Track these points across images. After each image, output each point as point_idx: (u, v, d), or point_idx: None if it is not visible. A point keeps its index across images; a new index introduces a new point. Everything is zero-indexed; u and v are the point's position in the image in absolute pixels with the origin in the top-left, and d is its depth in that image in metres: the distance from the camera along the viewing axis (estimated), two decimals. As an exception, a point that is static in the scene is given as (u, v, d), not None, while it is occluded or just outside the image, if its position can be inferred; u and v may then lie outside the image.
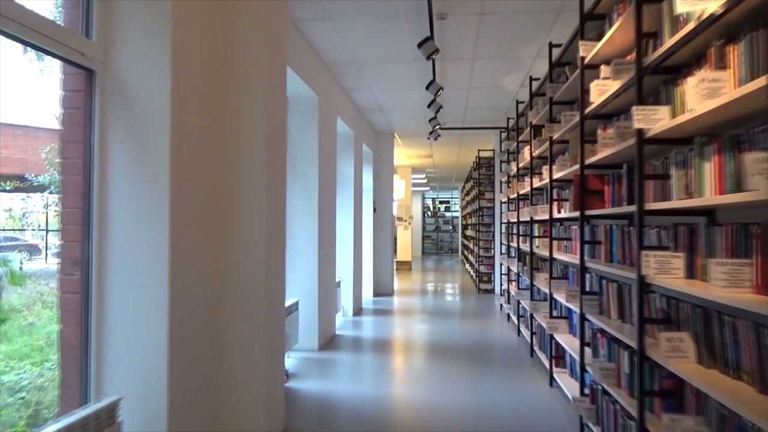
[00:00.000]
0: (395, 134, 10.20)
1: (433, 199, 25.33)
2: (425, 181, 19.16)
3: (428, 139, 9.93)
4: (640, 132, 2.39)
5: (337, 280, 7.18)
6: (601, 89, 3.03)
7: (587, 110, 3.30)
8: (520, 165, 6.05)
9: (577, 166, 3.42)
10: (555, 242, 4.51)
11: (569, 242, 4.24)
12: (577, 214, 3.50)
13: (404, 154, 12.84)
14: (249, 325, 3.08)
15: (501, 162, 8.22)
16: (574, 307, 3.59)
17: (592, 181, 3.33)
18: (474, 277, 11.89)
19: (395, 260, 15.48)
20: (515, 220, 6.59)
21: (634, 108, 2.33)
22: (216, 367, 3.04)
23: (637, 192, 2.43)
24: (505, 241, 7.76)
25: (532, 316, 5.32)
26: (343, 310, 7.50)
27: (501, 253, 8.08)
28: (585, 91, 3.37)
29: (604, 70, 3.18)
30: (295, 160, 5.45)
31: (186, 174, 2.69)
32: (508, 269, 7.19)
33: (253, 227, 3.09)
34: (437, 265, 17.78)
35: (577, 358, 3.58)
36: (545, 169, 4.64)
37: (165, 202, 2.50)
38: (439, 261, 19.99)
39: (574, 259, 3.73)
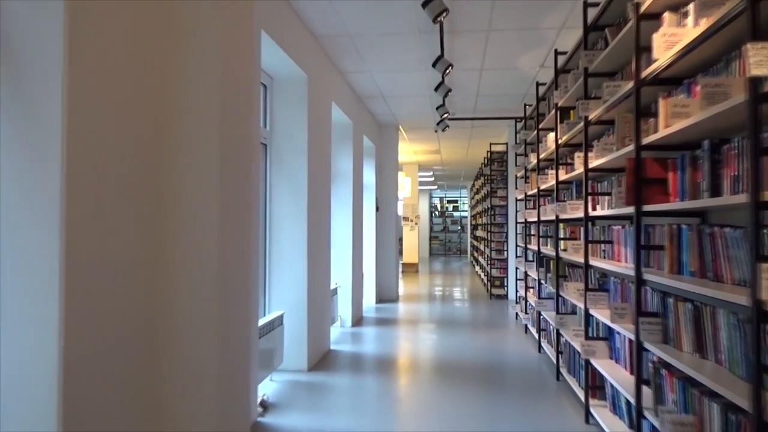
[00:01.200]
0: (400, 127, 9.43)
1: (441, 198, 24.52)
2: (432, 179, 18.37)
3: (435, 132, 9.15)
4: (754, 84, 1.60)
5: (333, 286, 6.41)
6: (670, 40, 2.23)
7: (646, 73, 2.51)
8: (542, 156, 5.25)
9: (630, 148, 2.64)
10: (589, 246, 3.72)
11: (609, 246, 3.45)
12: (628, 210, 2.71)
13: (410, 150, 12.06)
14: (194, 362, 2.31)
15: (516, 155, 7.43)
16: (623, 330, 2.79)
17: (652, 167, 2.54)
18: (485, 281, 11.09)
19: (401, 262, 14.70)
20: (534, 219, 5.79)
21: (747, 46, 1.54)
22: (151, 414, 2.27)
23: (748, 175, 1.65)
24: (521, 243, 6.96)
25: (557, 332, 4.53)
26: (341, 320, 6.73)
27: (516, 257, 7.29)
28: (643, 49, 2.58)
29: (669, 18, 2.39)
30: (280, 151, 4.69)
31: (91, 161, 1.92)
32: (525, 274, 6.40)
33: (199, 232, 2.32)
34: (445, 267, 16.98)
35: (621, 390, 2.79)
36: (577, 158, 3.84)
37: (56, 192, 1.74)
38: (447, 263, 19.19)
39: (619, 267, 2.93)
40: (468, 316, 7.71)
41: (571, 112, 4.32)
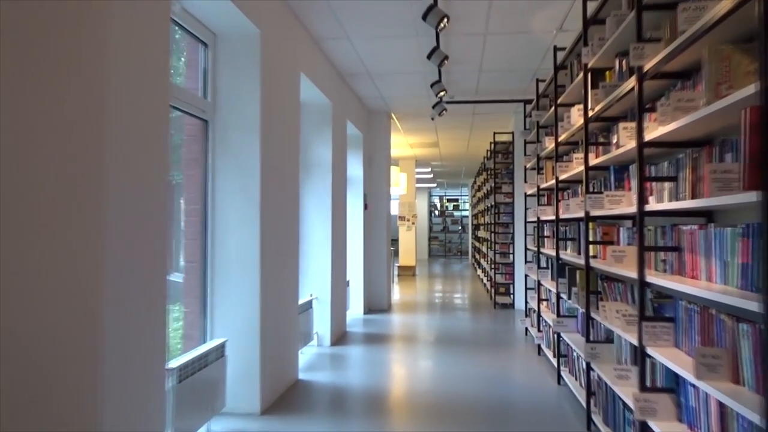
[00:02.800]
0: (392, 115, 8.35)
1: (441, 197, 23.43)
2: (431, 176, 17.28)
3: (432, 120, 8.08)
4: None
5: (307, 299, 5.34)
6: None
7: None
8: (562, 138, 4.17)
9: (748, 92, 1.55)
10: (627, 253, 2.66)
11: (672, 254, 2.38)
12: (718, 201, 1.63)
13: (405, 143, 10.98)
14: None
15: (525, 144, 6.35)
16: (715, 392, 1.72)
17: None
18: (488, 286, 10.00)
19: (396, 265, 13.64)
20: (550, 217, 4.71)
21: None
22: None
23: None
24: (532, 246, 5.88)
25: (588, 366, 3.44)
26: (318, 338, 5.65)
27: (526, 262, 6.22)
28: None
29: None
30: (225, 127, 3.61)
31: None
32: (538, 284, 5.32)
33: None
34: (445, 270, 15.89)
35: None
36: (623, 129, 2.75)
37: None
38: (447, 265, 18.09)
39: (698, 289, 1.86)
40: (470, 330, 6.62)
41: (608, 72, 3.24)
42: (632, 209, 2.67)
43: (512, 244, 8.25)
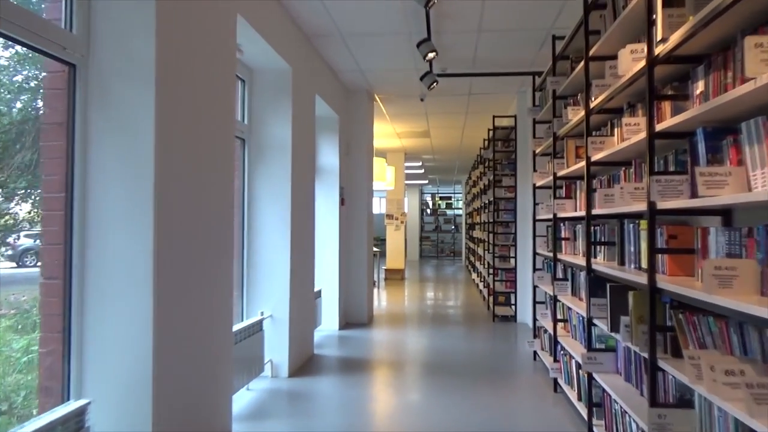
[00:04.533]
0: (376, 96, 7.14)
1: (433, 195, 22.25)
2: (422, 171, 16.08)
3: (422, 101, 6.88)
4: None
5: (255, 319, 4.12)
6: None
7: None
8: (599, 100, 2.97)
9: None
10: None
11: None
12: None
13: (392, 132, 9.77)
14: None
15: (535, 123, 5.16)
16: None
17: None
18: (484, 294, 8.81)
19: (384, 268, 12.47)
20: (575, 213, 3.54)
21: None
22: None
23: None
24: (544, 250, 4.69)
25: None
26: (273, 368, 4.44)
27: (535, 269, 5.03)
28: None
29: None
30: (100, 72, 2.39)
31: None
32: (554, 300, 4.13)
33: None
34: (437, 273, 14.70)
35: None
36: (720, 73, 1.55)
37: None
38: (440, 266, 16.90)
39: None
40: (466, 353, 5.42)
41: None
42: (753, 196, 1.49)
43: (514, 246, 7.07)
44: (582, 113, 3.30)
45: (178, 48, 2.59)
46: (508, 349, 5.53)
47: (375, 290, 10.35)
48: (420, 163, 14.20)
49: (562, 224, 4.17)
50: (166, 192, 2.47)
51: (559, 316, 4.13)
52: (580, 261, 3.40)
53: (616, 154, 2.82)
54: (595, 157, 3.04)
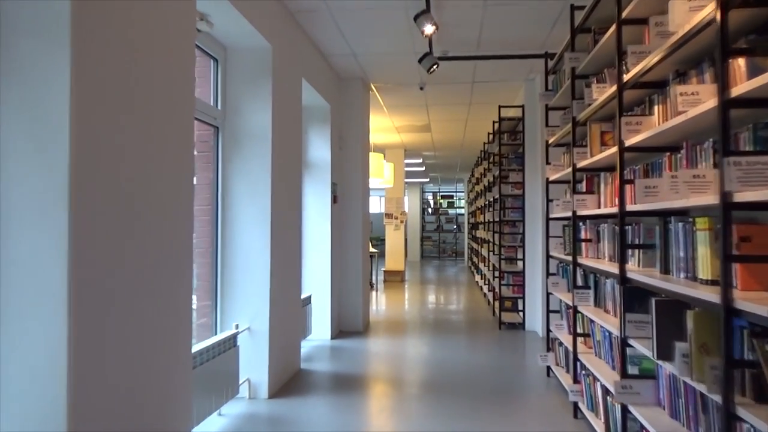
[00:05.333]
0: (371, 86, 6.60)
1: (434, 194, 21.69)
2: (423, 169, 15.52)
3: (421, 89, 6.34)
4: None
5: (227, 333, 3.57)
6: None
7: None
8: (636, 70, 2.41)
9: None
10: None
11: None
12: None
13: (390, 126, 9.22)
14: None
15: (548, 111, 4.60)
16: None
17: None
18: (489, 298, 8.24)
19: (382, 269, 11.94)
20: (600, 210, 2.99)
21: None
22: None
23: None
24: (560, 253, 4.13)
25: None
26: (250, 388, 3.88)
27: (548, 274, 4.48)
28: None
29: None
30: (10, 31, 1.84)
31: None
32: (573, 310, 3.57)
33: None
34: (439, 274, 14.14)
35: None
36: None
37: None
38: (441, 267, 16.34)
39: None
40: (470, 367, 4.86)
41: None
42: None
43: (522, 247, 6.51)
44: (612, 90, 2.74)
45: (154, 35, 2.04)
46: (518, 363, 4.98)
47: (373, 293, 9.81)
48: (420, 160, 13.65)
49: (582, 223, 3.62)
50: (89, 182, 1.92)
51: (578, 329, 3.58)
52: (607, 267, 2.85)
53: (658, 136, 2.26)
54: (631, 141, 2.48)
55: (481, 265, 10.34)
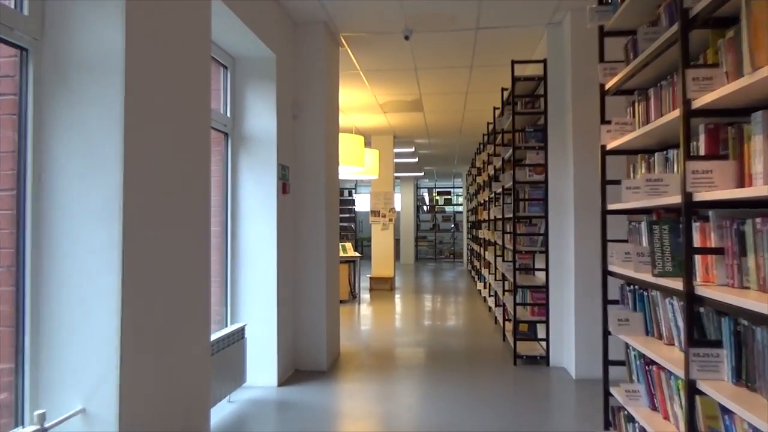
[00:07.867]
0: (340, 37, 4.88)
1: (430, 189, 19.96)
2: (416, 161, 13.77)
3: (407, 39, 4.64)
4: None
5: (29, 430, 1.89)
6: None
7: None
8: None
9: None
10: None
11: None
12: None
13: (373, 103, 7.49)
14: None
15: (603, 35, 2.88)
16: None
17: None
18: (497, 315, 6.47)
19: (368, 276, 10.23)
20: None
21: None
22: None
23: None
24: (626, 269, 2.39)
25: None
26: None
27: (607, 301, 2.76)
28: None
29: None
30: None
31: None
32: (689, 389, 1.85)
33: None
34: (435, 279, 12.41)
35: None
36: None
37: None
38: (438, 271, 14.61)
39: None
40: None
41: None
42: None
43: (545, 253, 4.79)
44: None
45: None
46: (547, 429, 3.26)
47: (355, 306, 8.10)
48: (413, 149, 11.90)
49: (694, 219, 1.91)
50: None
51: (696, 422, 1.86)
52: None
53: None
54: None
55: (484, 272, 8.60)
